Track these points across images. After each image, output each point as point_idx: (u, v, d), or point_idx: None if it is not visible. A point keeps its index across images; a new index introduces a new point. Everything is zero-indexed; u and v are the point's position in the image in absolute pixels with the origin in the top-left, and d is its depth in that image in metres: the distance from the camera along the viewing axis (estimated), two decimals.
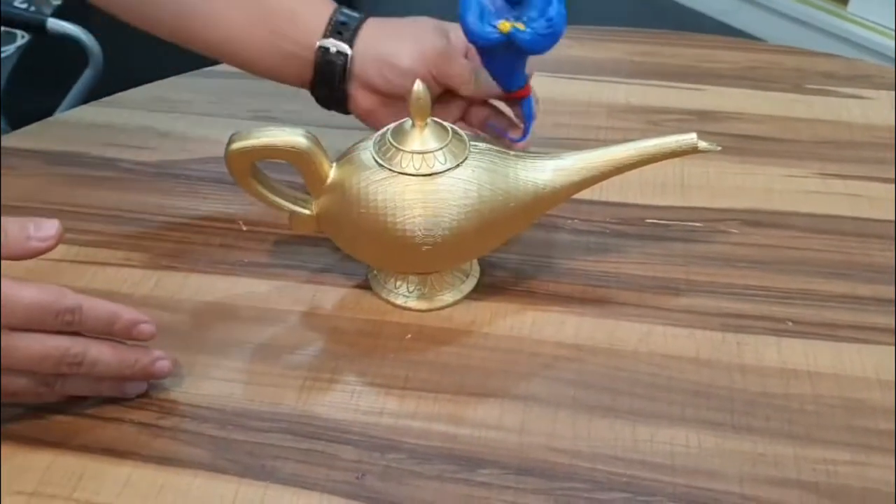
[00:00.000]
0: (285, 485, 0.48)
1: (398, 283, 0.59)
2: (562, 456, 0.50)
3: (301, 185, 0.57)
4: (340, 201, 0.55)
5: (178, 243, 0.64)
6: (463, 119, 0.65)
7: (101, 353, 0.48)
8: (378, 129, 0.62)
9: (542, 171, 0.56)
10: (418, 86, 0.53)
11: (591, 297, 0.60)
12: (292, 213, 0.58)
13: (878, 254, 0.63)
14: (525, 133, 0.64)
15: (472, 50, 0.62)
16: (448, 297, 0.59)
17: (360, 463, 0.50)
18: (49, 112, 0.96)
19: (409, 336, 0.57)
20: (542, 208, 0.58)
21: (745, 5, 2.21)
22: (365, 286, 0.60)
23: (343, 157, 0.57)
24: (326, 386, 0.54)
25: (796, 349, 0.56)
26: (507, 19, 0.57)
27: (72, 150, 0.72)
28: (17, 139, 0.74)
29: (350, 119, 0.69)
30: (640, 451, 0.50)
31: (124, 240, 0.64)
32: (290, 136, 0.54)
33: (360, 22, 0.62)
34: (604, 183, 0.58)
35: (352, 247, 0.58)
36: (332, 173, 0.56)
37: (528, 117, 0.64)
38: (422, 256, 0.55)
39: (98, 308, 0.48)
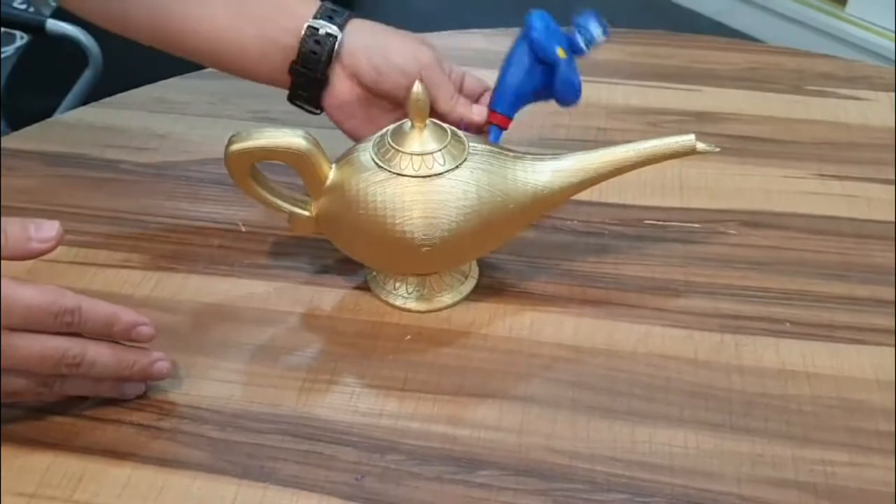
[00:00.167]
0: (285, 486, 0.48)
1: (397, 284, 0.59)
2: (561, 457, 0.50)
3: (300, 186, 0.57)
4: (340, 203, 0.55)
5: (177, 244, 0.64)
6: None
7: (99, 353, 0.48)
8: (345, 129, 0.62)
9: (541, 173, 0.57)
10: (417, 87, 0.54)
11: (590, 299, 0.60)
12: (292, 214, 0.58)
13: (877, 255, 0.64)
14: None
15: (456, 77, 0.63)
16: (447, 299, 0.59)
17: (359, 464, 0.50)
18: (48, 113, 0.96)
19: (409, 337, 0.57)
20: (540, 209, 0.58)
21: (742, 6, 2.22)
22: (364, 287, 0.60)
23: (342, 158, 0.57)
24: (325, 387, 0.54)
25: (794, 350, 0.56)
26: (564, 49, 0.61)
27: (72, 151, 0.72)
28: (17, 140, 0.74)
29: None
30: (638, 451, 0.50)
31: (124, 241, 0.64)
32: (290, 138, 0.54)
33: (350, 15, 0.62)
34: (602, 184, 0.58)
35: (351, 248, 0.58)
36: (332, 175, 0.56)
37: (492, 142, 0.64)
38: (421, 258, 0.55)
39: (97, 309, 0.48)
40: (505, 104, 0.63)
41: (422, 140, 0.54)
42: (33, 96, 1.16)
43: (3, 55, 1.97)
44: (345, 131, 0.64)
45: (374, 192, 0.54)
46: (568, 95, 0.62)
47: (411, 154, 0.54)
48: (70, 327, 0.47)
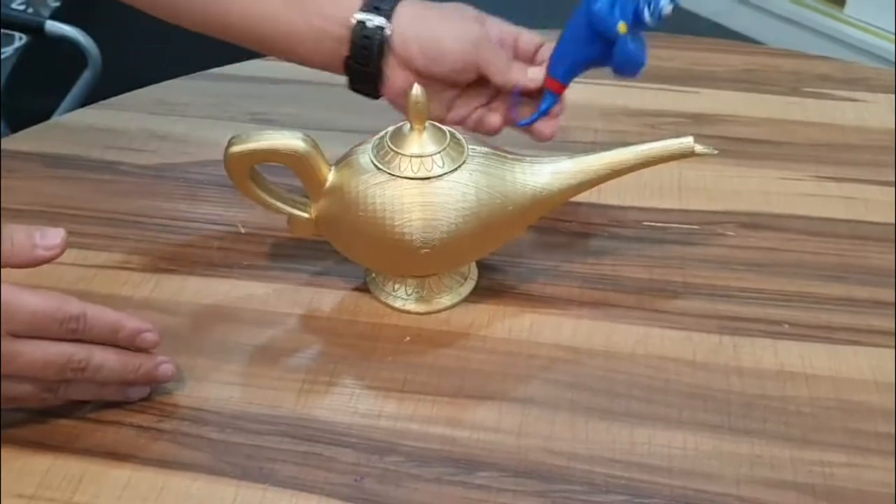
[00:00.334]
0: (284, 487, 0.49)
1: (396, 286, 0.59)
2: (560, 458, 0.50)
3: (300, 188, 0.57)
4: (339, 204, 0.56)
5: (177, 246, 0.64)
6: (488, 105, 0.65)
7: (105, 358, 0.48)
8: (405, 114, 0.61)
9: (540, 175, 0.57)
10: (416, 89, 0.54)
11: (589, 300, 0.60)
12: (291, 216, 0.58)
13: (875, 256, 0.64)
14: (530, 119, 0.64)
15: (507, 42, 0.63)
16: (446, 300, 0.59)
17: (358, 465, 0.50)
18: (47, 114, 0.97)
19: (408, 339, 0.57)
20: (539, 211, 0.58)
21: (740, 7, 2.22)
22: (363, 289, 0.60)
23: (341, 160, 0.57)
24: (325, 389, 0.54)
25: (793, 351, 0.57)
26: (626, 24, 0.58)
27: (71, 152, 0.72)
28: (17, 142, 0.74)
29: (349, 122, 0.69)
30: (637, 453, 0.51)
31: (123, 242, 0.64)
32: (289, 140, 0.55)
33: (397, 1, 0.61)
34: (601, 186, 0.58)
35: (350, 250, 0.59)
36: (331, 177, 0.56)
37: (542, 109, 0.63)
38: (420, 259, 0.55)
39: (102, 316, 0.48)
40: (561, 71, 0.62)
41: (421, 142, 0.55)
42: (32, 97, 1.16)
43: (2, 56, 1.97)
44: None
45: (373, 194, 0.54)
46: (626, 71, 0.60)
47: (410, 156, 0.54)
48: (75, 334, 0.47)
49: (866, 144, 0.75)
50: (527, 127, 0.64)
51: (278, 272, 0.62)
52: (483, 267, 0.62)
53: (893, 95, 0.81)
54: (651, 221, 0.67)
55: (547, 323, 0.58)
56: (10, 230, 0.47)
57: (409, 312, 0.59)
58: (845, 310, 0.59)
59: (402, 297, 0.59)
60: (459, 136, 0.57)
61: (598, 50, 0.60)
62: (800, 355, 0.56)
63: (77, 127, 0.76)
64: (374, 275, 0.61)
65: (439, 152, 0.54)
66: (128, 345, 0.49)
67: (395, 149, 0.55)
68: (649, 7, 0.58)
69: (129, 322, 0.49)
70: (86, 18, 1.13)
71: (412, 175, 0.54)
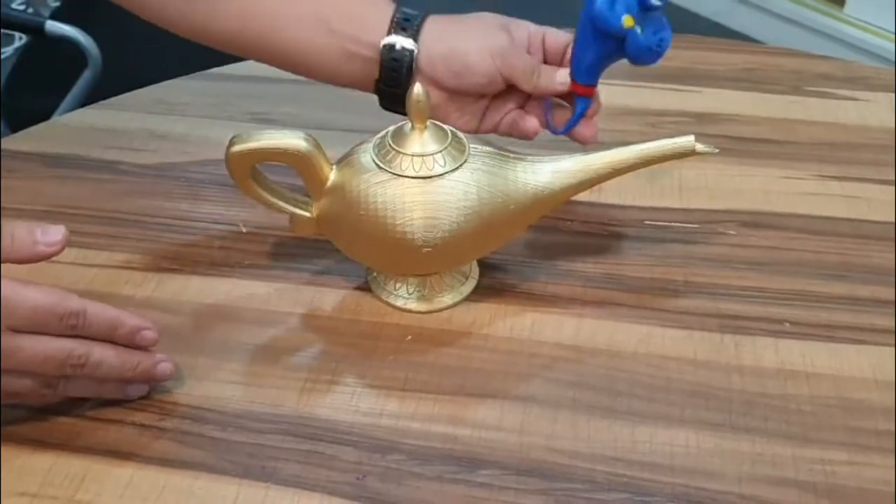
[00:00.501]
0: (286, 486, 0.49)
1: (398, 285, 0.59)
2: (561, 456, 0.50)
3: (301, 187, 0.57)
4: (340, 204, 0.56)
5: (178, 245, 0.64)
6: (522, 108, 0.65)
7: (104, 355, 0.48)
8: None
9: (541, 174, 0.57)
10: (417, 88, 0.54)
11: (590, 299, 0.60)
12: (292, 215, 0.58)
13: (876, 255, 0.64)
14: (567, 126, 0.64)
15: (535, 44, 0.63)
16: (447, 299, 0.59)
17: (360, 464, 0.50)
18: (47, 114, 0.97)
19: (409, 338, 0.57)
20: (541, 210, 0.58)
21: (740, 6, 2.22)
22: (365, 288, 0.60)
23: (343, 159, 0.57)
24: (326, 387, 0.54)
25: (794, 350, 0.57)
26: (632, 16, 0.58)
27: (72, 152, 0.72)
28: (18, 141, 0.74)
29: (349, 122, 0.69)
30: (639, 451, 0.51)
31: (125, 242, 0.64)
32: (291, 139, 0.55)
33: (423, 18, 0.62)
34: (602, 185, 0.59)
35: (352, 249, 0.59)
36: (332, 176, 0.56)
37: (577, 114, 0.64)
38: (421, 258, 0.55)
39: (102, 313, 0.48)
40: (582, 74, 0.62)
41: (422, 141, 0.55)
42: (32, 97, 1.16)
43: (2, 56, 1.97)
44: None
45: (374, 193, 0.54)
46: (643, 61, 0.60)
47: (412, 155, 0.54)
48: (74, 330, 0.47)
49: (868, 143, 0.75)
50: (567, 133, 0.64)
51: (280, 271, 0.62)
52: (484, 266, 0.62)
53: (894, 95, 0.81)
54: (652, 220, 0.67)
55: (548, 322, 0.58)
56: (12, 227, 0.47)
57: (410, 311, 0.59)
58: (846, 308, 0.59)
59: (404, 296, 0.59)
60: (461, 135, 0.57)
61: (612, 46, 0.60)
62: (801, 354, 0.56)
63: (77, 127, 0.76)
64: (375, 274, 0.61)
65: (441, 151, 0.54)
66: (127, 342, 0.49)
67: (397, 148, 0.55)
68: None
69: (129, 319, 0.49)
70: (86, 18, 1.13)
71: (414, 174, 0.54)
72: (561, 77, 0.63)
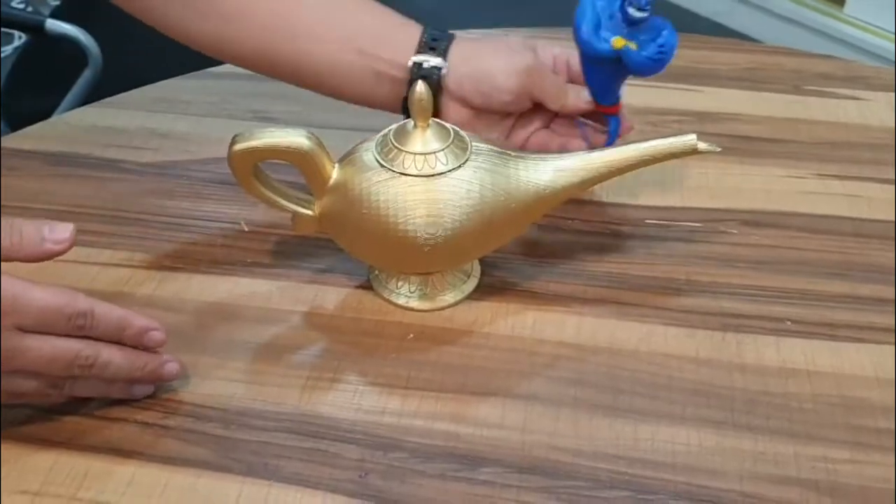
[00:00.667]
0: (289, 483, 0.49)
1: (400, 283, 0.59)
2: (564, 454, 0.50)
3: (303, 185, 0.57)
4: (342, 202, 0.56)
5: (180, 244, 0.64)
6: (547, 127, 0.66)
7: (111, 355, 0.48)
8: None
9: (543, 172, 0.57)
10: (420, 87, 0.54)
11: (592, 297, 0.60)
12: (294, 213, 0.58)
13: (877, 254, 0.64)
14: (605, 146, 0.64)
15: (560, 65, 0.64)
16: (449, 298, 0.59)
17: (362, 462, 0.50)
18: (48, 113, 0.97)
19: (411, 336, 0.57)
20: (542, 209, 0.58)
21: (740, 6, 2.22)
22: (367, 286, 0.61)
23: (345, 157, 0.57)
24: (329, 385, 0.54)
25: (796, 348, 0.57)
26: (621, 36, 0.59)
27: (73, 151, 0.72)
28: (19, 140, 0.74)
29: (351, 120, 0.69)
30: (641, 449, 0.51)
31: (126, 240, 0.64)
32: (293, 137, 0.55)
33: (450, 39, 0.63)
34: (604, 184, 0.59)
35: (354, 247, 0.59)
36: (335, 174, 0.56)
37: (612, 134, 0.65)
38: (423, 257, 0.55)
39: (110, 313, 0.48)
40: (599, 96, 0.63)
41: (424, 139, 0.55)
42: (32, 96, 1.16)
43: (2, 55, 1.97)
44: None
45: (377, 191, 0.54)
46: (646, 74, 0.60)
47: (414, 153, 0.54)
48: (82, 330, 0.47)
49: (868, 142, 0.75)
50: None
51: (282, 270, 0.62)
52: (486, 264, 0.62)
53: (894, 94, 0.81)
54: (654, 219, 0.67)
55: (550, 320, 0.58)
56: (19, 224, 0.47)
57: (412, 310, 0.59)
58: (848, 307, 0.60)
59: (406, 295, 0.59)
60: (463, 133, 0.57)
61: (613, 67, 0.61)
62: (802, 352, 0.56)
63: (78, 125, 0.76)
64: (377, 272, 0.61)
65: (443, 149, 0.55)
66: (134, 343, 0.49)
67: (399, 146, 0.55)
68: (633, 4, 0.58)
69: (137, 320, 0.49)
70: (86, 17, 1.13)
71: (416, 172, 0.54)
72: (587, 95, 0.64)
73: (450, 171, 0.54)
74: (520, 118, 0.65)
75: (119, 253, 0.63)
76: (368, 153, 0.56)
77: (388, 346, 0.57)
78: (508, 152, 0.57)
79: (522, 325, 0.58)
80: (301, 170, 0.56)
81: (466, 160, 0.55)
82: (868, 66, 0.87)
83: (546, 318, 0.59)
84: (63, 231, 0.48)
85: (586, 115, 0.66)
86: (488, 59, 0.62)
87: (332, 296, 0.60)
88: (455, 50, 0.62)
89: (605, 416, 0.52)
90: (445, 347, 0.57)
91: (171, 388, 0.53)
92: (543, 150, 0.65)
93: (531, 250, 0.64)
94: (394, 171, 0.54)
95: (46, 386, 0.48)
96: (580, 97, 0.64)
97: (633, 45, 0.59)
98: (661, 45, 0.59)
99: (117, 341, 0.49)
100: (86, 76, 1.10)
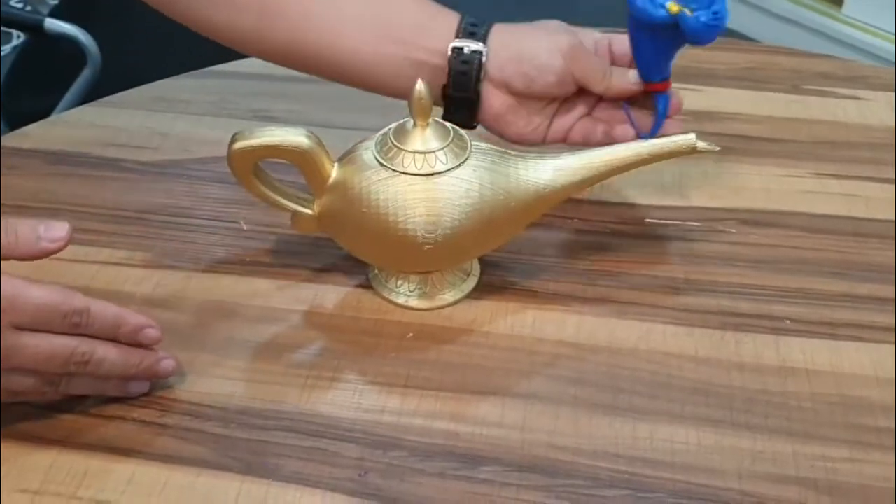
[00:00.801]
0: (288, 482, 0.49)
1: (399, 282, 0.59)
2: (563, 453, 0.50)
3: (303, 184, 0.57)
4: (342, 201, 0.56)
5: (179, 243, 0.64)
6: (590, 114, 0.65)
7: (107, 352, 0.48)
8: (504, 137, 0.62)
9: (543, 171, 0.57)
10: (420, 85, 0.54)
11: (592, 296, 0.60)
12: (294, 212, 0.58)
13: (876, 253, 0.64)
14: (654, 129, 0.63)
15: (602, 49, 0.62)
16: (449, 297, 0.59)
17: (362, 461, 0.50)
18: (47, 112, 0.96)
19: (411, 335, 0.57)
20: (542, 208, 0.58)
21: (738, 6, 2.22)
22: (366, 285, 0.61)
23: (345, 156, 0.57)
24: (328, 384, 0.54)
25: (794, 347, 0.57)
26: (676, 2, 0.57)
27: (73, 150, 0.72)
28: (18, 139, 0.74)
29: (350, 120, 0.69)
30: (640, 448, 0.51)
31: (126, 239, 0.64)
32: (293, 136, 0.55)
33: (490, 25, 0.62)
34: (603, 183, 0.59)
35: (353, 246, 0.59)
36: (334, 173, 0.56)
37: (660, 114, 0.63)
38: (423, 256, 0.55)
39: (105, 311, 0.48)
40: (650, 72, 0.62)
41: (424, 138, 0.55)
42: (32, 95, 1.15)
43: (1, 54, 1.97)
44: (508, 138, 0.63)
45: (376, 190, 0.54)
46: (704, 40, 0.58)
47: (414, 152, 0.54)
48: (77, 328, 0.47)
49: (867, 142, 0.75)
50: (656, 136, 0.63)
51: (281, 268, 0.62)
52: (486, 263, 0.62)
53: (893, 94, 0.81)
54: (653, 218, 0.67)
55: (550, 319, 0.58)
56: (15, 223, 0.47)
57: (411, 309, 0.59)
58: (847, 306, 0.60)
59: (405, 294, 0.59)
60: (462, 132, 0.57)
61: (667, 36, 0.59)
62: (801, 351, 0.56)
63: (77, 124, 0.76)
64: (376, 271, 0.61)
65: (443, 148, 0.55)
66: (130, 340, 0.49)
67: (399, 145, 0.55)
68: None
69: (132, 318, 0.49)
70: (85, 16, 1.13)
71: (415, 171, 0.54)
72: (633, 76, 0.62)
73: (449, 169, 0.54)
74: (563, 104, 0.63)
75: (118, 252, 0.63)
76: (368, 152, 0.56)
77: (387, 345, 0.57)
78: (508, 151, 0.58)
79: (522, 324, 0.58)
80: (300, 169, 0.56)
81: (466, 159, 0.55)
82: (867, 65, 0.87)
83: (545, 316, 0.59)
84: (59, 230, 0.48)
85: (630, 99, 0.64)
86: (530, 40, 0.61)
87: (331, 295, 0.60)
88: (495, 35, 0.61)
89: (605, 414, 0.52)
90: (445, 346, 0.57)
91: (169, 387, 0.53)
92: (586, 142, 0.63)
93: (531, 249, 0.64)
94: (393, 169, 0.54)
95: (43, 383, 0.48)
96: (627, 78, 0.62)
97: (688, 12, 0.57)
98: (716, 12, 0.57)
99: (113, 339, 0.49)
100: (85, 75, 1.10)
